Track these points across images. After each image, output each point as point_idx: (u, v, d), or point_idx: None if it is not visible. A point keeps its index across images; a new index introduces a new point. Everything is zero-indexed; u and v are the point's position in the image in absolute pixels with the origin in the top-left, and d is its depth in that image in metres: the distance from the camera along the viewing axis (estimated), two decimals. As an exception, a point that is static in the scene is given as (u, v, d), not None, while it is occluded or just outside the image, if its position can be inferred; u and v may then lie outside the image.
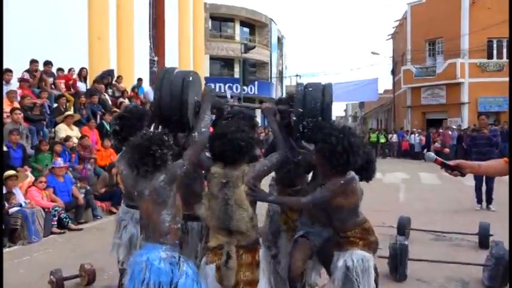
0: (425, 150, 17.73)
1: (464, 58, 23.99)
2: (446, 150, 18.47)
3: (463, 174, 2.45)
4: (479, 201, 8.16)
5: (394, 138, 24.42)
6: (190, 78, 3.02)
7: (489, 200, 8.11)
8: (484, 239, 5.46)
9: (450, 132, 20.14)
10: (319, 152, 2.77)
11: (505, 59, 23.56)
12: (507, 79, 19.64)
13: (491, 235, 5.41)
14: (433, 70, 25.27)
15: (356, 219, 2.86)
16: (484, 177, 7.75)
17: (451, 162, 2.47)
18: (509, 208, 3.91)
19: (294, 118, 2.98)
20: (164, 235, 2.54)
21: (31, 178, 7.11)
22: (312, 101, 2.94)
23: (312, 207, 2.93)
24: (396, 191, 10.77)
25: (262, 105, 3.15)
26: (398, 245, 4.39)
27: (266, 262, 2.80)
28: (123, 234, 3.45)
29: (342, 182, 2.73)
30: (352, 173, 2.78)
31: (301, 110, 2.93)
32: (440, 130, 21.50)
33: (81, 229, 6.93)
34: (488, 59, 23.69)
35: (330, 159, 2.70)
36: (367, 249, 2.84)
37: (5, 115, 7.91)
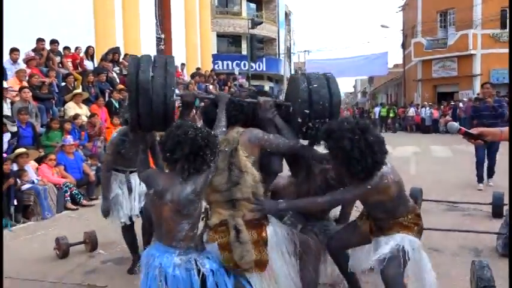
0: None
1: (476, 29, 23.45)
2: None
3: (486, 142, 2.50)
4: (481, 179, 7.43)
5: (411, 112, 23.30)
6: (173, 88, 2.61)
7: (490, 174, 7.48)
8: (497, 208, 5.39)
9: (461, 105, 19.82)
10: (334, 160, 2.43)
11: (519, 29, 22.96)
12: (521, 50, 19.19)
13: (506, 204, 5.34)
14: (445, 42, 24.76)
15: (406, 206, 2.58)
16: (486, 151, 7.26)
17: (473, 131, 2.46)
18: (509, 208, 3.85)
19: (299, 119, 2.70)
20: (178, 241, 2.35)
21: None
22: (320, 101, 2.67)
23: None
24: (407, 164, 10.67)
25: (259, 99, 2.83)
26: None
27: (280, 238, 2.53)
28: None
29: (369, 187, 2.41)
30: (381, 171, 2.42)
31: (308, 112, 2.67)
32: (452, 103, 21.18)
33: (93, 205, 6.99)
34: (501, 29, 23.06)
35: (348, 168, 2.37)
36: (420, 236, 2.60)
37: (13, 93, 7.93)
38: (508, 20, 22.80)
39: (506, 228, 4.12)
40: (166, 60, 2.66)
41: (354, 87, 66.95)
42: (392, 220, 2.54)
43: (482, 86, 8.59)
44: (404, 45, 29.90)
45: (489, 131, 2.48)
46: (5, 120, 6.86)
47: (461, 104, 19.90)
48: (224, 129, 2.62)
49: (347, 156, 2.32)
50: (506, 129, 2.48)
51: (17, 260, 4.36)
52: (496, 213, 5.38)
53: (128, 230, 3.94)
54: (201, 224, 2.55)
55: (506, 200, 5.48)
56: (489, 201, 5.59)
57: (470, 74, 23.72)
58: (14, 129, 7.08)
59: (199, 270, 2.33)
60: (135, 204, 3.85)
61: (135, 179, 3.78)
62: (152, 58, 2.69)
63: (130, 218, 3.88)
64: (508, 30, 22.98)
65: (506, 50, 22.08)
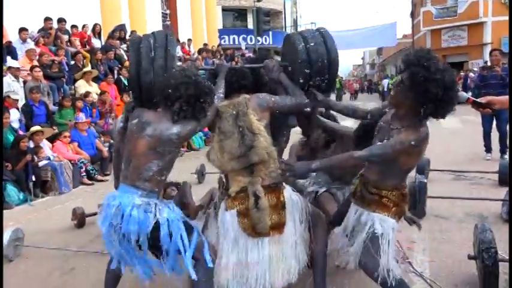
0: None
1: (487, -5, 22.92)
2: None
3: (493, 110, 2.49)
4: (489, 149, 7.25)
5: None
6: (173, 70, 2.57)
7: (503, 148, 7.05)
8: (504, 176, 5.44)
9: (472, 75, 19.57)
10: (409, 81, 2.20)
11: (532, -5, 22.37)
12: (534, 16, 18.77)
13: (512, 172, 5.41)
14: (454, 10, 24.30)
15: (399, 181, 2.46)
16: (495, 121, 7.00)
17: (482, 100, 2.47)
18: (509, 206, 3.86)
19: (301, 79, 2.69)
20: (143, 180, 2.29)
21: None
22: (319, 59, 2.66)
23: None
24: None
25: (264, 62, 2.80)
26: (417, 182, 4.45)
27: (295, 205, 2.52)
28: None
29: (413, 143, 2.24)
30: (427, 131, 2.30)
31: (308, 71, 2.67)
32: (462, 73, 20.91)
33: (107, 180, 7.19)
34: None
35: (416, 104, 2.19)
36: (397, 218, 2.47)
37: (25, 73, 8.05)
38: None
39: (511, 195, 4.21)
40: (167, 38, 2.65)
41: (363, 59, 66.10)
42: (376, 190, 2.43)
43: (490, 53, 7.99)
44: (413, 15, 29.36)
45: (498, 99, 2.47)
46: (8, 94, 6.99)
47: (471, 74, 19.66)
48: (222, 95, 2.62)
49: (437, 90, 2.12)
50: None
51: (39, 232, 4.57)
52: (503, 181, 5.44)
53: None
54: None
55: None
56: (496, 170, 5.67)
57: (480, 42, 23.36)
58: (18, 97, 7.24)
59: (155, 216, 2.28)
60: None
61: None
62: (152, 38, 2.67)
63: None
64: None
65: (518, 17, 21.71)
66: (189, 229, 2.39)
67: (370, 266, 2.35)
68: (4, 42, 8.28)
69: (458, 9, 24.00)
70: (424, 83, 2.14)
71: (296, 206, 2.52)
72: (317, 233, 2.60)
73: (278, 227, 2.41)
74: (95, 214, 4.81)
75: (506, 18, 22.18)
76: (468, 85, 18.84)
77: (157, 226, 2.27)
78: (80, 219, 4.77)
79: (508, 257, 2.88)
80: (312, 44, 2.69)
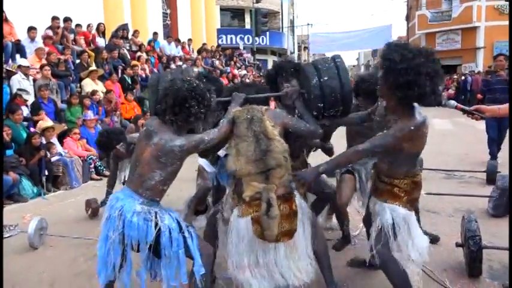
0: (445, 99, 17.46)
1: (481, 1, 23.41)
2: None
3: (483, 118, 2.54)
4: (494, 156, 6.85)
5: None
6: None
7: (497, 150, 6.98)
8: (491, 175, 5.83)
9: (463, 78, 20.02)
10: (387, 84, 2.33)
11: (524, 1, 22.92)
12: (525, 22, 19.26)
13: (499, 172, 5.78)
14: (449, 14, 24.79)
15: (410, 169, 2.51)
16: (498, 126, 6.78)
17: (471, 108, 2.56)
18: (509, 205, 3.88)
19: (314, 112, 2.73)
20: (145, 188, 2.34)
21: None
22: (332, 93, 2.67)
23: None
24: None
25: (284, 90, 2.84)
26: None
27: (303, 211, 2.62)
28: None
29: (412, 127, 2.34)
30: (425, 116, 2.41)
31: (321, 105, 2.70)
32: (455, 76, 21.34)
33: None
34: (506, 0, 23.01)
35: (405, 91, 2.26)
36: (409, 206, 2.53)
37: (34, 71, 8.32)
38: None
39: (497, 192, 4.58)
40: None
41: (357, 59, 66.58)
42: (388, 179, 2.53)
43: (495, 58, 7.64)
44: (408, 18, 29.85)
45: (487, 108, 2.52)
46: (20, 92, 7.27)
47: (469, 77, 19.72)
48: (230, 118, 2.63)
49: (407, 78, 2.21)
50: (504, 106, 2.54)
51: (58, 223, 4.87)
52: (490, 180, 5.80)
53: None
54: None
55: (499, 168, 5.94)
56: (484, 169, 6.05)
57: (473, 46, 23.86)
58: (29, 97, 7.50)
59: (157, 224, 2.32)
60: None
61: None
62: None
63: None
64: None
65: (511, 22, 22.17)
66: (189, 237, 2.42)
67: (381, 256, 2.47)
68: (13, 40, 8.54)
69: (453, 14, 24.51)
70: (392, 73, 2.26)
71: (304, 212, 2.62)
72: (317, 232, 2.72)
73: (289, 234, 2.48)
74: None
75: (499, 23, 22.73)
76: (472, 89, 18.70)
77: (158, 233, 2.34)
78: (94, 208, 5.11)
79: (490, 245, 3.26)
80: (325, 78, 2.68)
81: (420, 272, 2.76)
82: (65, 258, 3.88)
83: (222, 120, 2.58)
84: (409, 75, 2.21)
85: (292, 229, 2.48)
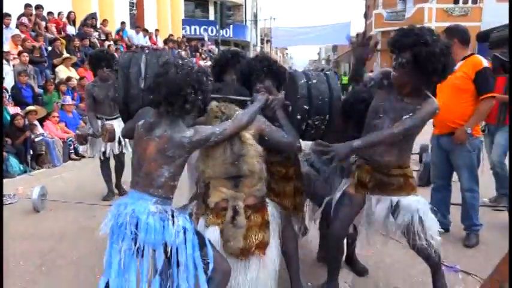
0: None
1: (432, 3, 25.12)
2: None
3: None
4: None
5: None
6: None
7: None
8: (422, 155, 6.90)
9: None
10: (413, 61, 2.28)
11: (470, 4, 24.89)
12: (470, 24, 20.95)
13: (426, 152, 6.75)
14: (403, 14, 26.40)
15: (408, 156, 2.48)
16: None
17: None
18: (509, 205, 3.88)
19: (298, 115, 2.48)
20: (156, 187, 2.10)
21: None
22: (320, 96, 2.48)
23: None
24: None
25: (265, 96, 2.45)
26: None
27: (276, 221, 2.44)
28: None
29: (437, 110, 2.35)
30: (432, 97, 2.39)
31: (307, 107, 2.47)
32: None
33: (93, 156, 8.05)
34: (454, 3, 24.90)
35: (425, 68, 2.24)
36: (414, 191, 2.50)
37: (11, 57, 8.70)
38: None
39: (421, 166, 5.69)
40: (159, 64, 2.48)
41: (319, 54, 68.47)
42: (399, 171, 2.47)
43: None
44: (366, 16, 31.36)
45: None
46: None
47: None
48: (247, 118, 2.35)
49: (428, 53, 2.20)
50: None
51: (56, 193, 5.43)
52: (422, 159, 6.79)
53: (104, 164, 5.28)
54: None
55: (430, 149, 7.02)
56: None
57: (425, 45, 25.57)
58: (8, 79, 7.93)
59: (174, 223, 2.07)
60: (115, 145, 5.11)
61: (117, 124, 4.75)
62: (144, 62, 2.60)
63: (104, 154, 5.17)
64: (461, 4, 24.84)
65: (457, 24, 23.92)
66: (202, 242, 2.17)
67: (424, 249, 2.49)
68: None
69: (406, 14, 26.14)
70: (430, 59, 2.22)
71: (276, 220, 2.45)
72: (287, 234, 2.56)
73: (262, 246, 2.31)
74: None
75: (447, 24, 24.27)
76: None
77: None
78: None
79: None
80: (314, 81, 2.52)
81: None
82: (67, 219, 4.57)
83: (237, 113, 2.31)
84: (446, 58, 2.25)
85: (264, 240, 2.32)
